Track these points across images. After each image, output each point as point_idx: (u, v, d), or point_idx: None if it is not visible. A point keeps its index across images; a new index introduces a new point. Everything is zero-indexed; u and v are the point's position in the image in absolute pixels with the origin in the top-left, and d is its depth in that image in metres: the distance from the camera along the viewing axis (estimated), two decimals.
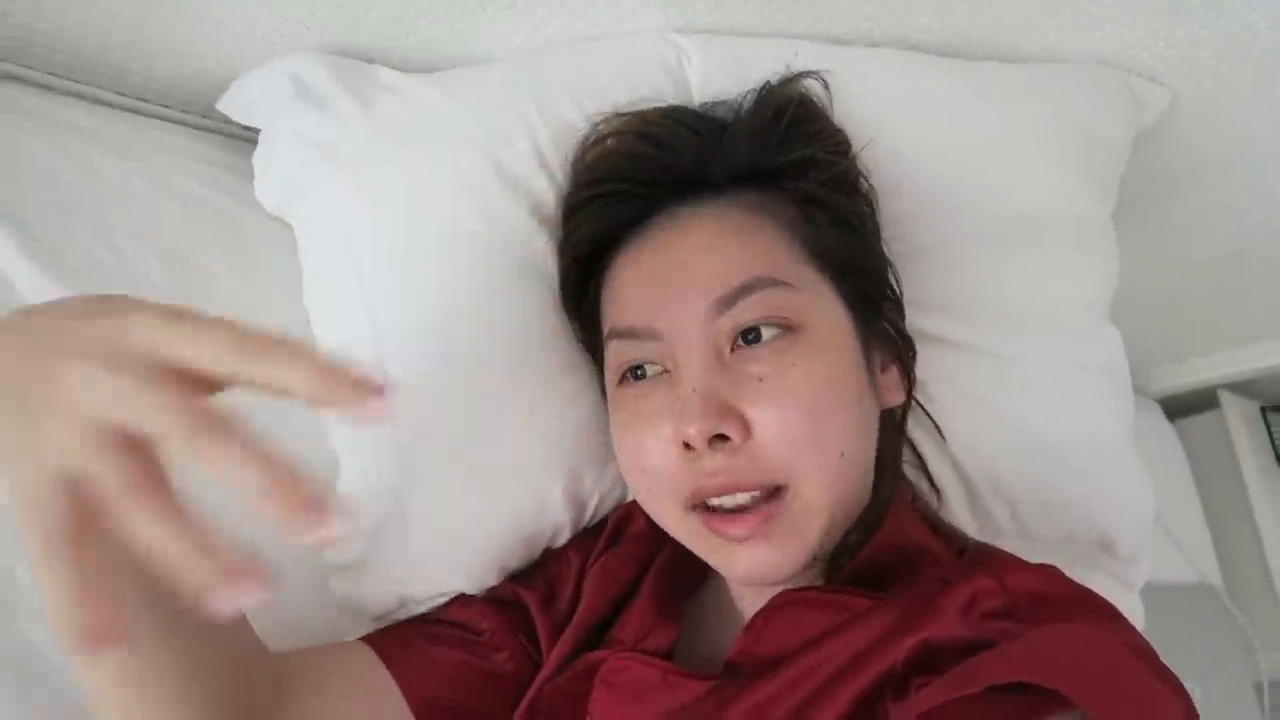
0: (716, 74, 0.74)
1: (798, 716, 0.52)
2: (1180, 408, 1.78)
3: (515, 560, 0.72)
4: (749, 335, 0.57)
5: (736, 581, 0.63)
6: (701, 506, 0.58)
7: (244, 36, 0.72)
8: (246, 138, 0.78)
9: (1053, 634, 0.48)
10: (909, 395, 0.69)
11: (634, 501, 0.75)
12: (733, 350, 0.58)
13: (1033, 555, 0.69)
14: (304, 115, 0.70)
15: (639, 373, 0.61)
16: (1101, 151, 0.82)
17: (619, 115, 0.70)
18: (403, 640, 0.66)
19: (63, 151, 0.67)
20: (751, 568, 0.57)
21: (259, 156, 0.73)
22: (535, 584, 0.71)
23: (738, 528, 0.56)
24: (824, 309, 0.60)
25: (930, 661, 0.50)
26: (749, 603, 0.65)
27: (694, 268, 0.59)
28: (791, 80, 0.69)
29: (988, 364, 0.76)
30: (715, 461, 0.55)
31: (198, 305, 0.66)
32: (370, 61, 0.75)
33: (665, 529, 0.63)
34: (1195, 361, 1.62)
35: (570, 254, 0.69)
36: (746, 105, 0.68)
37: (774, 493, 0.57)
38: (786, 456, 0.56)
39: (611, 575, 0.70)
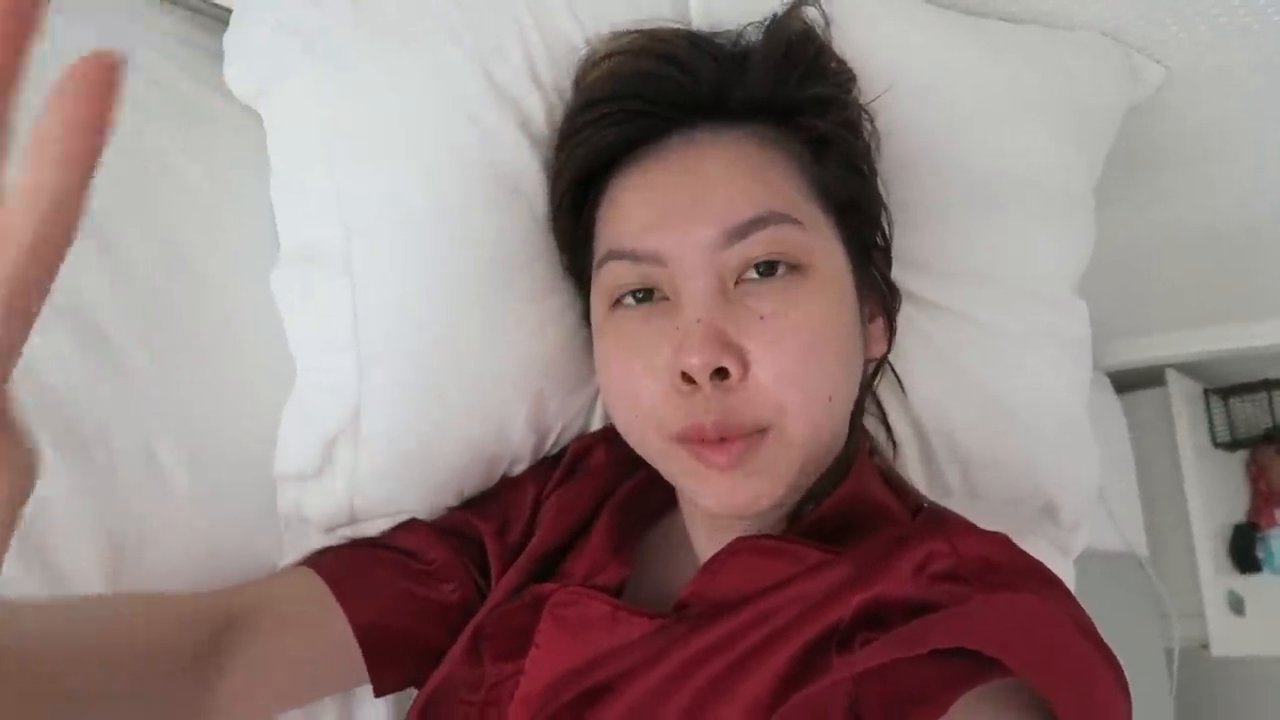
0: (720, 3, 0.70)
1: (742, 662, 0.52)
2: (1128, 382, 1.82)
3: (472, 484, 0.71)
4: (758, 269, 0.56)
5: (708, 511, 0.59)
6: (687, 441, 0.56)
7: None
8: (216, 15, 0.73)
9: (999, 602, 0.48)
10: (889, 348, 0.68)
11: (595, 433, 0.75)
12: (737, 284, 0.56)
13: (977, 516, 0.69)
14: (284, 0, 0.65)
15: (638, 296, 0.59)
16: (1093, 124, 0.81)
17: (627, 33, 0.67)
18: (348, 564, 0.65)
19: None
20: (725, 497, 0.56)
21: (230, 39, 0.68)
22: (489, 513, 0.70)
23: (719, 455, 0.54)
24: (829, 251, 0.59)
25: (878, 618, 0.51)
26: (704, 544, 0.65)
27: (708, 194, 0.57)
28: (796, 12, 0.66)
29: (957, 324, 0.76)
30: (710, 400, 0.54)
31: (158, 195, 0.64)
32: None
33: (640, 453, 0.62)
34: (1148, 339, 1.64)
35: (571, 170, 0.65)
36: (756, 36, 0.66)
37: (759, 433, 0.55)
38: (778, 396, 0.54)
39: (567, 507, 0.69)
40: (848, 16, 0.70)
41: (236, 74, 0.68)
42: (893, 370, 0.75)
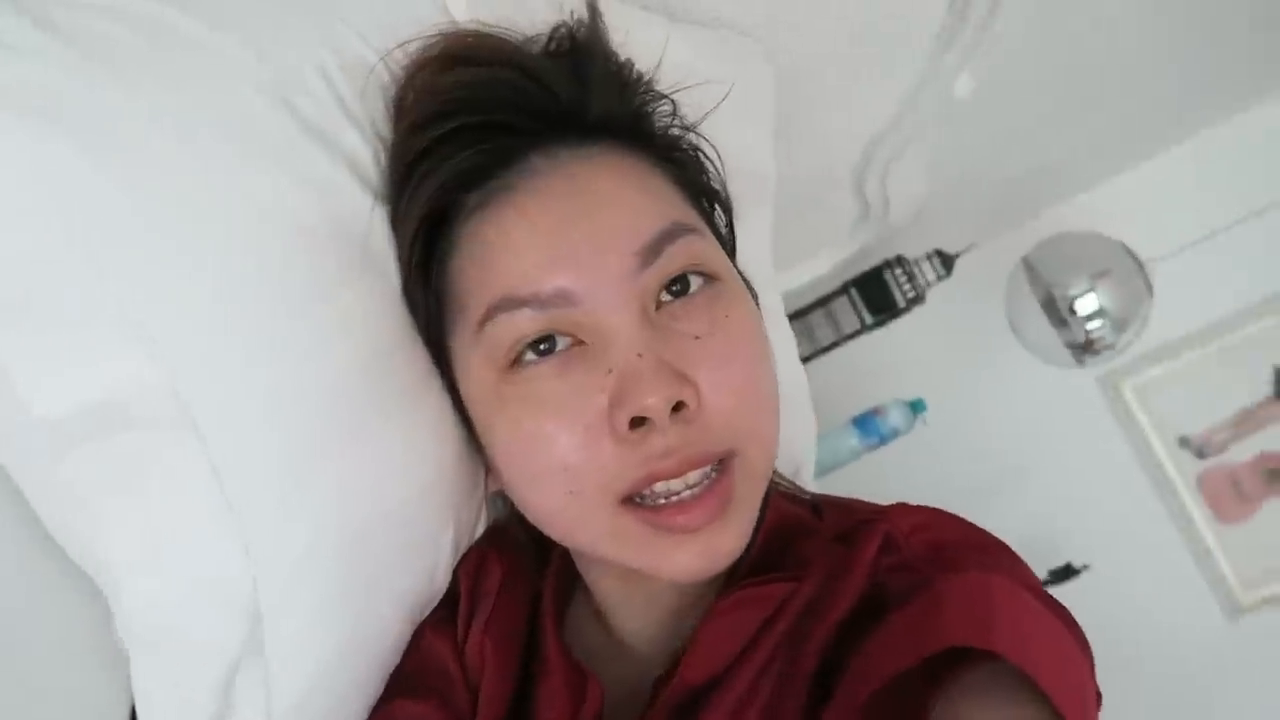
0: (479, 10, 0.61)
1: None
2: None
3: (398, 652, 0.58)
4: (674, 287, 0.50)
5: (673, 579, 0.50)
6: (634, 501, 0.49)
7: None
8: None
9: (963, 587, 0.46)
10: None
11: (472, 549, 0.62)
12: (658, 308, 0.50)
13: None
14: None
15: (542, 348, 0.49)
16: (767, 107, 0.83)
17: (443, 39, 0.56)
18: None
19: None
20: (701, 560, 0.48)
21: None
22: (418, 691, 0.56)
23: (692, 516, 0.47)
24: (721, 254, 0.55)
25: (855, 633, 0.48)
26: (637, 617, 0.57)
27: (608, 216, 0.49)
28: (597, 21, 0.58)
29: None
30: (670, 436, 0.47)
31: None
32: None
33: (572, 543, 0.54)
34: None
35: (419, 209, 0.53)
36: (574, 44, 0.57)
37: (721, 464, 0.49)
38: (736, 419, 0.49)
39: (499, 643, 0.57)
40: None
41: None
42: None
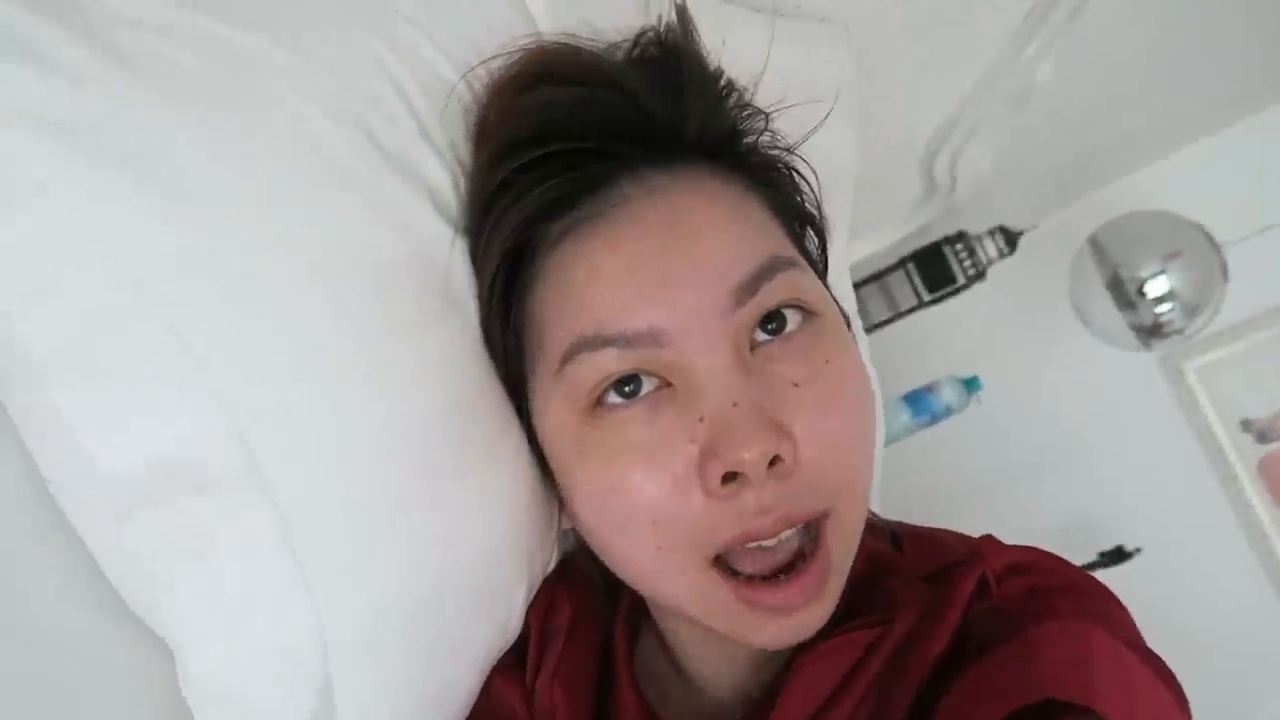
0: (564, 13, 0.58)
1: None
2: None
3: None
4: (769, 326, 0.46)
5: (759, 646, 0.48)
6: (723, 564, 0.45)
7: None
8: None
9: (1061, 636, 0.43)
10: None
11: (542, 588, 0.59)
12: (753, 349, 0.45)
13: None
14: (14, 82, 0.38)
15: (624, 391, 0.45)
16: (850, 99, 0.78)
17: (523, 54, 0.52)
18: None
19: None
20: (793, 634, 0.45)
21: None
22: None
23: (790, 596, 0.44)
24: (818, 286, 0.50)
25: (945, 677, 0.45)
26: (714, 656, 0.54)
27: (703, 249, 0.45)
28: (688, 28, 0.54)
29: None
30: (766, 492, 0.43)
31: None
32: None
33: (663, 599, 0.50)
34: None
35: (501, 243, 0.49)
36: (663, 50, 0.52)
37: (813, 526, 0.46)
38: (835, 475, 0.45)
39: (570, 686, 0.54)
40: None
41: None
42: None
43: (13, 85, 0.38)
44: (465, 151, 0.52)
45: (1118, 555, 1.60)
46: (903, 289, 1.49)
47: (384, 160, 0.47)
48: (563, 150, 0.47)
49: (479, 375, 0.50)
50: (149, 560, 0.42)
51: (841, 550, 0.46)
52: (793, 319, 0.46)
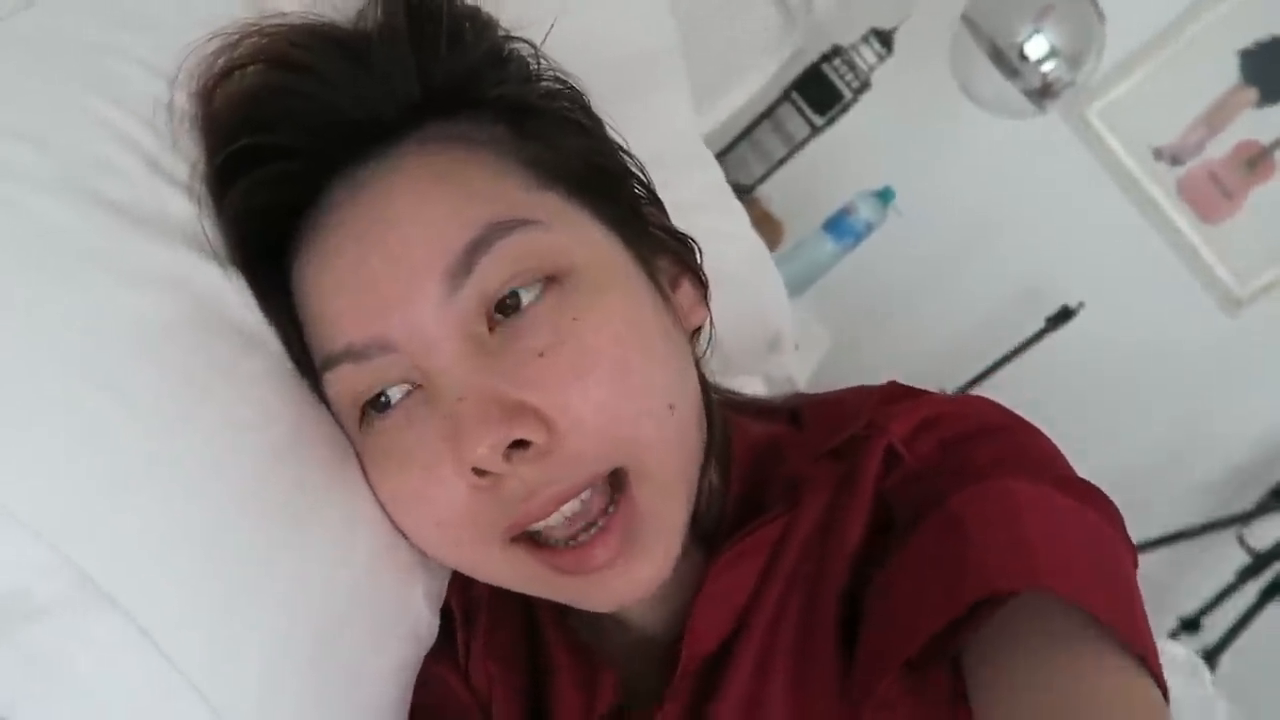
0: None
1: (798, 666, 0.46)
2: None
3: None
4: (507, 300, 0.44)
5: (606, 611, 0.49)
6: (525, 538, 0.45)
7: None
8: None
9: (987, 505, 0.43)
10: (709, 309, 0.56)
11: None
12: (492, 330, 0.44)
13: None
14: None
15: (382, 401, 0.45)
16: None
17: (235, 38, 0.47)
18: None
19: None
20: (622, 593, 0.45)
21: None
22: None
23: (597, 555, 0.44)
24: (589, 238, 0.47)
25: (872, 555, 0.46)
26: (641, 607, 0.52)
27: (402, 241, 0.43)
28: None
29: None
30: (524, 477, 0.42)
31: None
32: None
33: (491, 582, 0.50)
34: None
35: (238, 256, 0.47)
36: (380, 12, 0.48)
37: (615, 486, 0.45)
38: (611, 435, 0.43)
39: (502, 656, 0.54)
40: None
41: None
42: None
43: None
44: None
45: (1064, 315, 1.64)
46: (793, 120, 1.47)
47: (122, 219, 0.43)
48: (254, 147, 0.45)
49: (300, 406, 0.48)
50: (11, 695, 0.41)
51: (655, 500, 0.45)
52: (528, 292, 0.44)
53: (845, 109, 1.45)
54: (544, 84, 0.52)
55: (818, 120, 1.45)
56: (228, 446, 0.44)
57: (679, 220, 0.57)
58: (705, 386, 0.54)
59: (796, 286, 1.48)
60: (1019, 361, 1.63)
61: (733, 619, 0.48)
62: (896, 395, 0.53)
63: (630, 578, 0.45)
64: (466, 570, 0.49)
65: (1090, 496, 0.45)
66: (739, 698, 0.46)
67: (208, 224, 0.46)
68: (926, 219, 1.57)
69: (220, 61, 0.47)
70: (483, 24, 0.51)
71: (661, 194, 0.58)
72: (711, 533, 0.51)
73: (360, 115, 0.46)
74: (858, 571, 0.46)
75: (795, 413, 0.56)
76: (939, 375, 1.60)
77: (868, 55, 1.42)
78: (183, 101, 0.47)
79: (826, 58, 1.42)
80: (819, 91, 1.43)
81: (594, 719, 0.50)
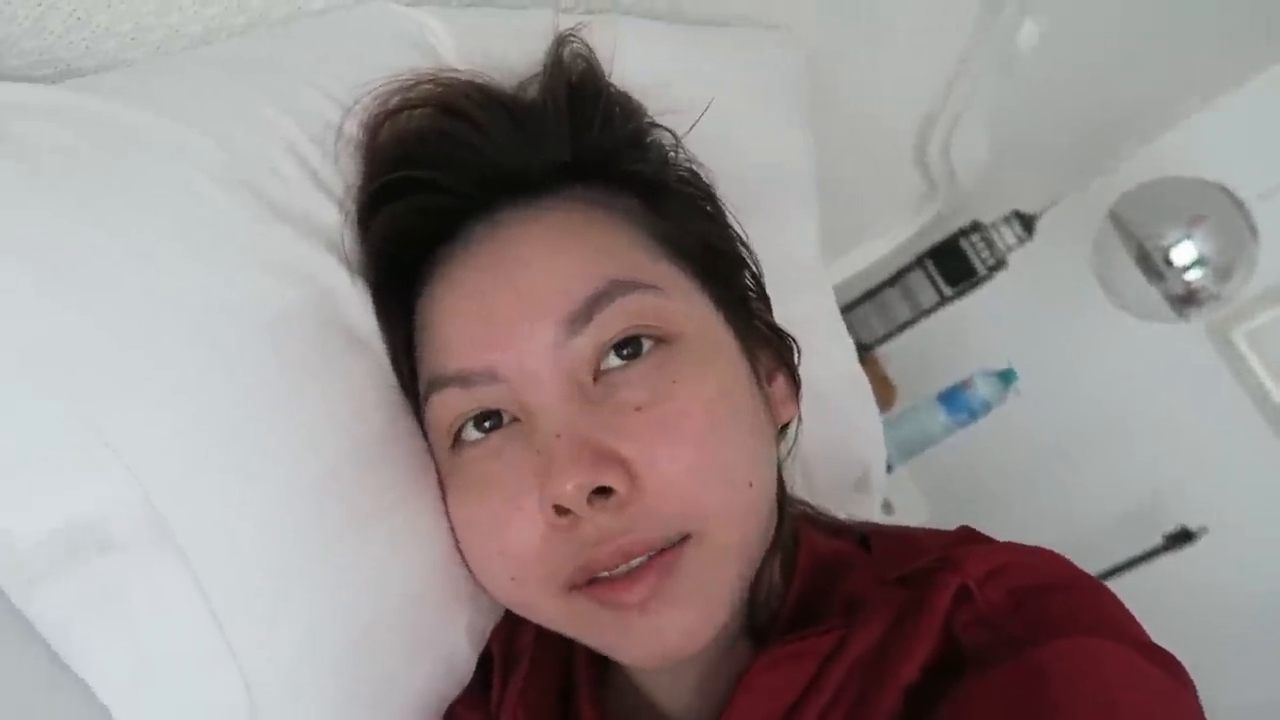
0: (473, 51, 0.57)
1: None
2: None
3: None
4: (621, 351, 0.45)
5: (638, 665, 0.49)
6: (583, 586, 0.45)
7: None
8: None
9: (1069, 658, 0.41)
10: (798, 406, 0.57)
11: (509, 615, 0.57)
12: (596, 380, 0.45)
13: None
14: None
15: (483, 426, 0.47)
16: (800, 98, 0.79)
17: (410, 83, 0.52)
18: None
19: None
20: (654, 641, 0.44)
21: None
22: None
23: (635, 590, 0.43)
24: (696, 310, 0.49)
25: (927, 690, 0.44)
26: (675, 687, 0.53)
27: (531, 282, 0.46)
28: (574, 52, 0.55)
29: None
30: (600, 524, 0.43)
31: None
32: None
33: (537, 621, 0.50)
34: None
35: (376, 288, 0.51)
36: (540, 85, 0.53)
37: (675, 543, 0.45)
38: (689, 495, 0.44)
39: (534, 707, 0.53)
40: (611, 47, 0.61)
41: None
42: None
43: None
44: None
45: (1183, 537, 1.54)
46: (923, 287, 1.47)
47: (274, 215, 0.47)
48: (410, 181, 0.49)
49: (392, 415, 0.50)
50: (67, 623, 0.43)
51: (703, 563, 0.45)
52: (646, 346, 0.46)
53: (977, 284, 1.44)
54: (678, 170, 0.56)
55: (947, 291, 1.45)
56: (319, 434, 0.46)
57: (797, 331, 0.60)
58: (782, 484, 0.54)
59: (902, 453, 1.45)
60: (1127, 577, 1.53)
61: None
62: (971, 538, 0.52)
63: (665, 624, 0.44)
64: (518, 607, 0.49)
65: (1170, 664, 0.43)
66: None
67: (349, 236, 0.50)
68: (1047, 409, 1.53)
69: (394, 99, 0.51)
70: (632, 109, 0.55)
71: (774, 307, 0.60)
72: (764, 631, 0.50)
73: (512, 168, 0.50)
74: (911, 703, 0.44)
75: (866, 538, 0.55)
76: None
77: (1007, 235, 1.43)
78: (352, 129, 0.51)
79: (965, 231, 1.43)
80: (953, 263, 1.44)
81: None
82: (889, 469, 1.47)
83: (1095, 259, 1.45)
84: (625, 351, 0.45)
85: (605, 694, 0.55)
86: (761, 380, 0.52)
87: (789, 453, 0.58)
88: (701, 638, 0.45)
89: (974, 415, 1.47)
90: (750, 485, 0.46)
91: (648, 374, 0.45)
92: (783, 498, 0.53)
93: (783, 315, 0.63)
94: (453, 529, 0.49)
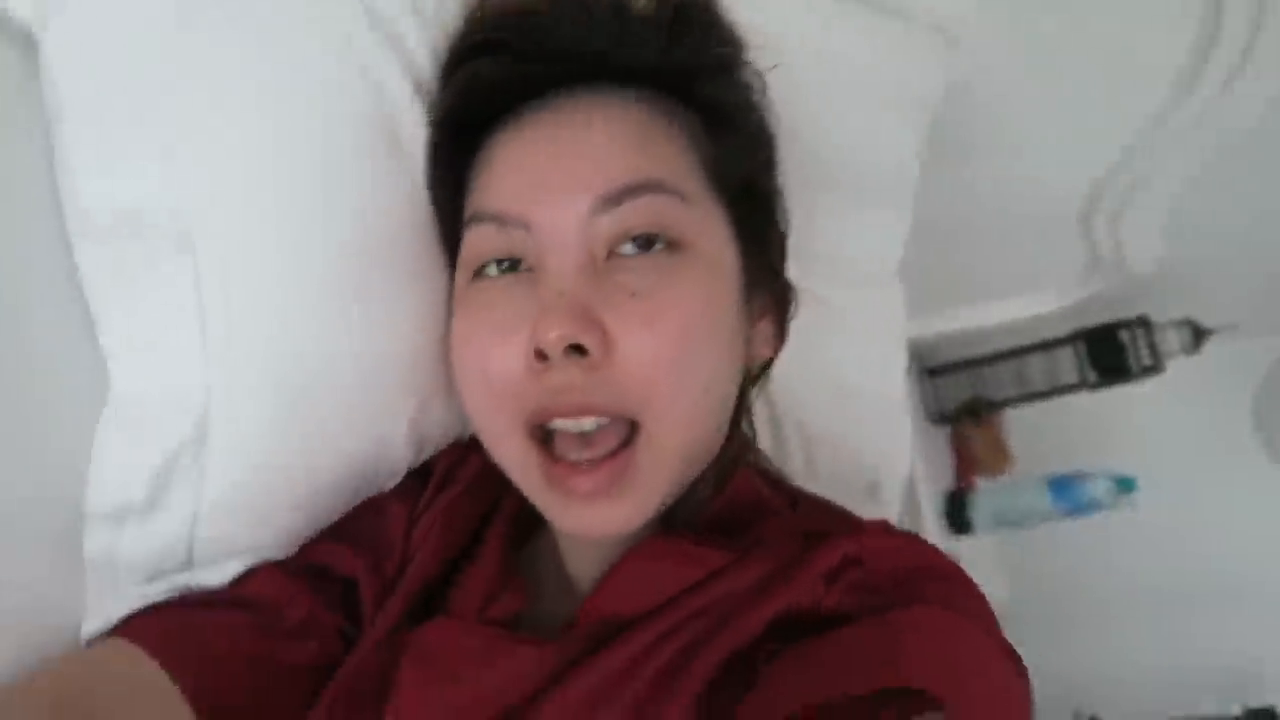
0: None
1: (660, 684, 0.48)
2: None
3: (340, 510, 0.61)
4: (635, 240, 0.52)
5: (571, 535, 0.57)
6: (541, 437, 0.52)
7: None
8: None
9: (914, 622, 0.46)
10: (776, 352, 0.65)
11: (468, 440, 0.67)
12: (608, 257, 0.52)
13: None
14: None
15: (501, 265, 0.54)
16: (924, 107, 0.79)
17: None
18: (178, 632, 0.51)
19: None
20: (588, 525, 0.51)
21: None
22: (357, 543, 0.60)
23: (583, 483, 0.51)
24: (714, 232, 0.55)
25: (789, 628, 0.49)
26: (581, 557, 0.59)
27: (582, 158, 0.52)
28: None
29: (810, 304, 0.71)
30: (567, 375, 0.49)
31: None
32: None
33: (497, 460, 0.56)
34: None
35: (444, 112, 0.58)
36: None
37: (625, 432, 0.51)
38: (645, 382, 0.50)
39: (448, 526, 0.61)
40: None
41: None
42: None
43: None
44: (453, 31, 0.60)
45: (1266, 716, 1.42)
46: (1068, 365, 1.43)
47: (370, 22, 0.56)
48: (508, 47, 0.55)
49: (412, 218, 0.59)
50: (90, 279, 0.52)
51: (651, 465, 0.51)
52: (658, 245, 0.52)
53: (1126, 379, 1.39)
54: (750, 111, 0.61)
55: (1092, 378, 1.41)
56: (344, 205, 0.55)
57: (841, 319, 0.72)
58: (739, 413, 0.62)
59: (995, 521, 1.42)
60: None
61: (641, 603, 0.52)
62: (887, 528, 0.56)
63: (605, 513, 0.51)
64: (482, 430, 0.57)
65: (1017, 660, 0.47)
66: (591, 688, 0.49)
67: (429, 66, 0.59)
68: (1160, 532, 1.45)
69: None
70: (729, 38, 0.60)
71: (831, 288, 0.70)
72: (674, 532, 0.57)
73: (604, 55, 0.56)
74: (759, 642, 0.49)
75: (796, 498, 0.61)
76: (1104, 701, 1.45)
77: (1172, 341, 1.36)
78: None
79: (1128, 324, 1.37)
80: (1107, 351, 1.39)
81: (484, 618, 0.56)
82: (970, 529, 1.46)
83: (1260, 399, 1.36)
84: (640, 243, 0.52)
85: (515, 533, 0.62)
86: (750, 314, 0.58)
87: (758, 386, 0.66)
88: (628, 527, 0.52)
89: (1080, 510, 1.42)
90: (705, 392, 0.52)
91: (651, 269, 0.51)
92: (736, 424, 0.61)
93: (844, 303, 0.74)
94: (452, 343, 0.57)
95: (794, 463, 0.80)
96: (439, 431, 0.65)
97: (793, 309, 0.64)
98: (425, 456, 0.65)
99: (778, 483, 0.64)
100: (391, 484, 0.64)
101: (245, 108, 0.52)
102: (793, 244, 0.66)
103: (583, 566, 0.59)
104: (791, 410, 0.78)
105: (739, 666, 0.48)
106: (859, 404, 0.80)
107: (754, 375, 0.65)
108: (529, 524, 0.62)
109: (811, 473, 0.80)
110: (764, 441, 0.76)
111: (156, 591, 0.54)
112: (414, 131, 0.59)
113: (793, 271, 0.67)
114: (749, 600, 0.50)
